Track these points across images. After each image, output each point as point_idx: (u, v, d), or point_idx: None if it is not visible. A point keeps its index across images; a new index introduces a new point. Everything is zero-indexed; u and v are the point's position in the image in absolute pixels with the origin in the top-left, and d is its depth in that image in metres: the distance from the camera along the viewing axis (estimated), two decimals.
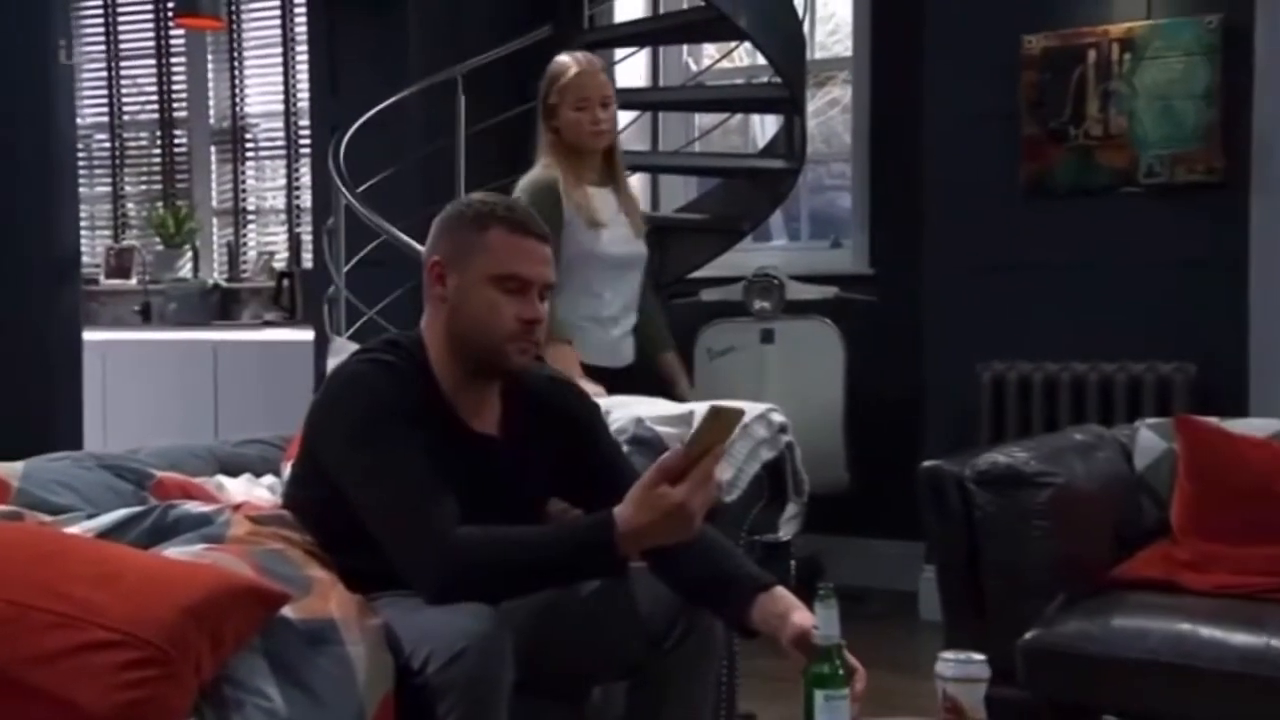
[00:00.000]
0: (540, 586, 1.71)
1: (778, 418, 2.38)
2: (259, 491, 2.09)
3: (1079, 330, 3.68)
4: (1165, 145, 3.59)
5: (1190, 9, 3.57)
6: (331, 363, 2.36)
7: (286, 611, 1.53)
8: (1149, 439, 2.70)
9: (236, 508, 1.83)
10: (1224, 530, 2.44)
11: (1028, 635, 2.31)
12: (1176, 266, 3.58)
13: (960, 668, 1.54)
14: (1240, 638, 2.15)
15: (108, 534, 1.69)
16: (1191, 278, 3.56)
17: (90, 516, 1.76)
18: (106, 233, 6.01)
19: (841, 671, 1.57)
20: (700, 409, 2.31)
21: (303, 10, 5.30)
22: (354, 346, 2.40)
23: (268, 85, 5.68)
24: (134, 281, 5.75)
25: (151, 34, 5.88)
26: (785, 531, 2.55)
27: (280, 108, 5.63)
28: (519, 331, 1.79)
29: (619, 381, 2.84)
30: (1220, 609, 2.25)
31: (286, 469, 2.16)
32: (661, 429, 2.24)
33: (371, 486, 1.70)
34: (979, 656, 1.56)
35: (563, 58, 2.98)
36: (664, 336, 3.18)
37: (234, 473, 2.16)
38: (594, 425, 1.97)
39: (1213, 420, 2.64)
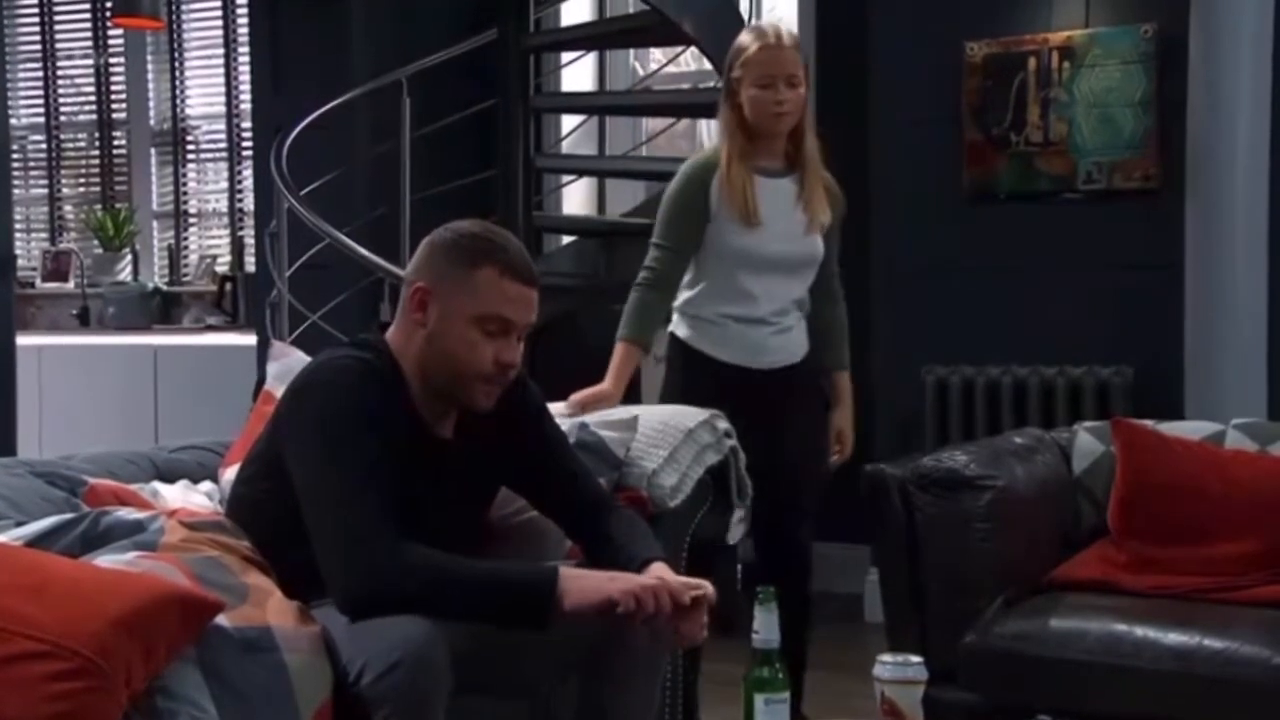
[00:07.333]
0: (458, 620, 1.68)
1: (722, 424, 2.38)
2: (196, 498, 2.06)
3: (1020, 334, 3.73)
4: (1103, 152, 3.64)
5: (1126, 18, 3.62)
6: (272, 367, 2.33)
7: (222, 619, 1.52)
8: (1087, 442, 2.73)
9: (171, 514, 1.80)
10: (1159, 532, 2.47)
11: (968, 637, 2.33)
12: (1115, 272, 3.63)
13: (897, 670, 1.56)
14: (1174, 637, 2.19)
15: (36, 542, 1.65)
16: (1129, 283, 3.61)
17: (19, 524, 1.72)
18: (43, 235, 5.91)
19: (781, 675, 1.58)
20: (646, 415, 2.32)
21: (245, 10, 5.24)
22: (296, 351, 2.39)
23: (209, 86, 5.61)
24: (72, 285, 5.66)
25: (89, 34, 5.78)
26: (732, 536, 2.56)
27: (222, 109, 5.56)
28: (493, 373, 1.81)
29: (766, 383, 2.65)
30: (1155, 609, 2.29)
31: (225, 475, 2.13)
32: (605, 433, 2.23)
33: (323, 480, 1.69)
34: (916, 659, 1.58)
35: (750, 30, 2.70)
36: (835, 353, 2.81)
37: (171, 479, 2.13)
38: (540, 415, 2.00)
39: (1148, 423, 2.67)
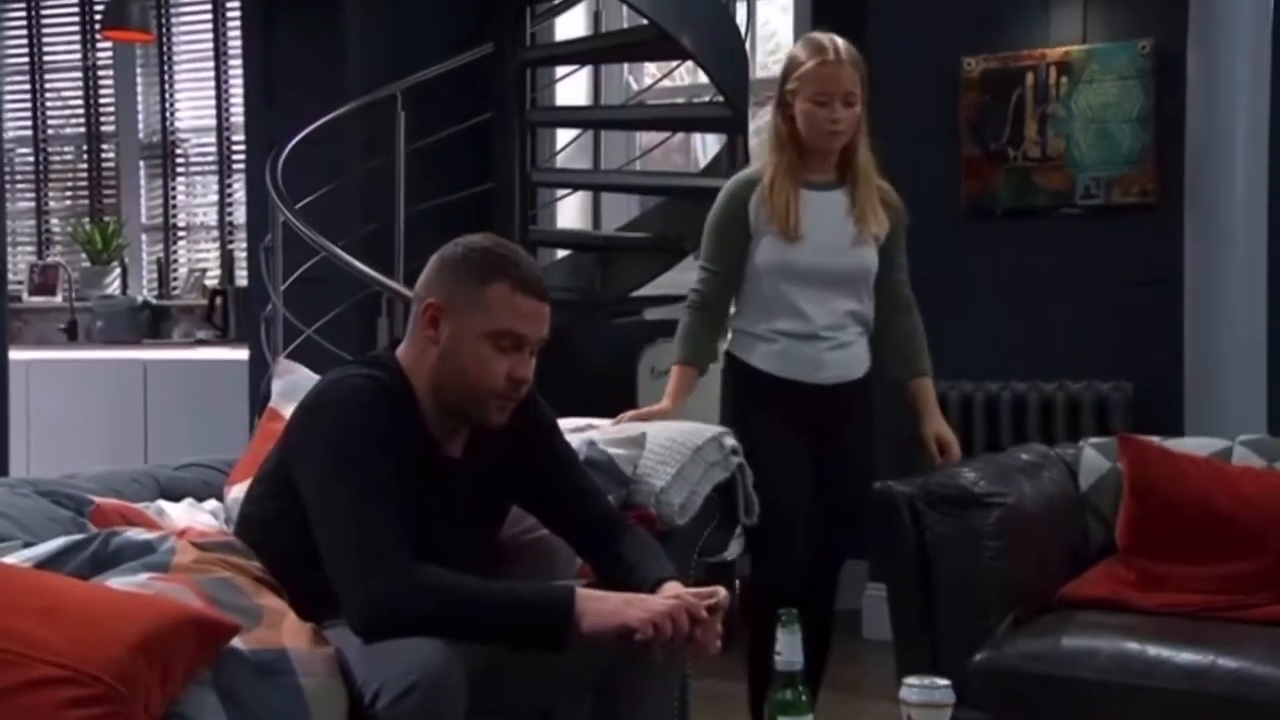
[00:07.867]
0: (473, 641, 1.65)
1: (729, 441, 2.37)
2: (201, 517, 2.03)
3: (1019, 350, 3.72)
4: (1101, 167, 3.65)
5: (1124, 34, 3.64)
6: (277, 384, 2.31)
7: (237, 642, 1.49)
8: (1093, 458, 2.72)
9: (180, 534, 1.77)
10: (1168, 549, 2.46)
11: (979, 656, 2.31)
12: (1113, 287, 3.64)
13: (925, 693, 1.53)
14: (1186, 656, 2.17)
15: (46, 564, 1.62)
16: (1128, 298, 3.62)
17: (27, 545, 1.69)
18: (29, 249, 5.86)
19: (805, 698, 1.56)
20: (654, 432, 2.30)
21: (236, 23, 5.22)
22: (301, 368, 2.36)
23: (199, 99, 5.58)
24: (59, 299, 5.60)
25: (78, 46, 5.74)
26: (730, 551, 2.54)
27: (212, 122, 5.53)
28: (506, 389, 1.79)
29: (821, 399, 2.61)
30: (1166, 628, 2.28)
31: (230, 493, 2.10)
32: (613, 450, 2.21)
33: (334, 499, 1.67)
34: (943, 682, 1.55)
35: (808, 41, 2.61)
36: (912, 359, 2.75)
37: (175, 498, 2.10)
38: (551, 432, 1.98)
39: (1154, 439, 2.67)
